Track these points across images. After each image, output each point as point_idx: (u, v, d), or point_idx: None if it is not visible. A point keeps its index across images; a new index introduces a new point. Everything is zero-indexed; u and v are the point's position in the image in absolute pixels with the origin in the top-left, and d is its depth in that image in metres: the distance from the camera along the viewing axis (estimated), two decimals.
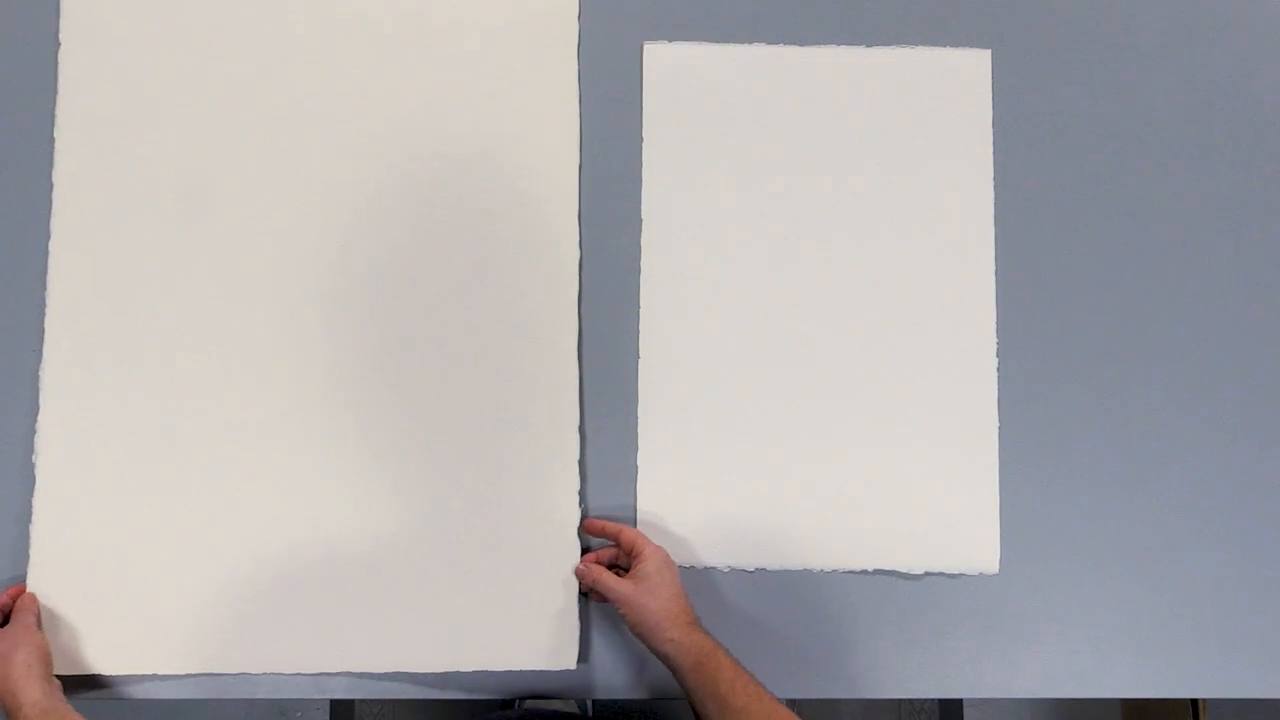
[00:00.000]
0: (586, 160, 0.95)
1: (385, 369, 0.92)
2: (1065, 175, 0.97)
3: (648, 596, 0.82)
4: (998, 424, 0.94)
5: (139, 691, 0.88)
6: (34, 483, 0.89)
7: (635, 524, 0.92)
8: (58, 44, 0.94)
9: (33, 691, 0.77)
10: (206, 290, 0.92)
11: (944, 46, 0.97)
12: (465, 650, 0.89)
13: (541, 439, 0.92)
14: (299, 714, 1.61)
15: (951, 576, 0.93)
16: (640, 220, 0.95)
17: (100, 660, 0.88)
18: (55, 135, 0.93)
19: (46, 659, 0.82)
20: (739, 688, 0.78)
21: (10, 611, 0.86)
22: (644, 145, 0.96)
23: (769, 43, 0.97)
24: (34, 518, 0.88)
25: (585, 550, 0.91)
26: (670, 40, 0.97)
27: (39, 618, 0.86)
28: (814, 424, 0.93)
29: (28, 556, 0.88)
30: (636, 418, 0.93)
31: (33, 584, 0.88)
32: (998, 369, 0.94)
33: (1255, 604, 0.93)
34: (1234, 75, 0.99)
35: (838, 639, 0.91)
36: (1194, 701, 1.36)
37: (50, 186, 0.92)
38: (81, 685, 0.87)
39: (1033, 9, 0.98)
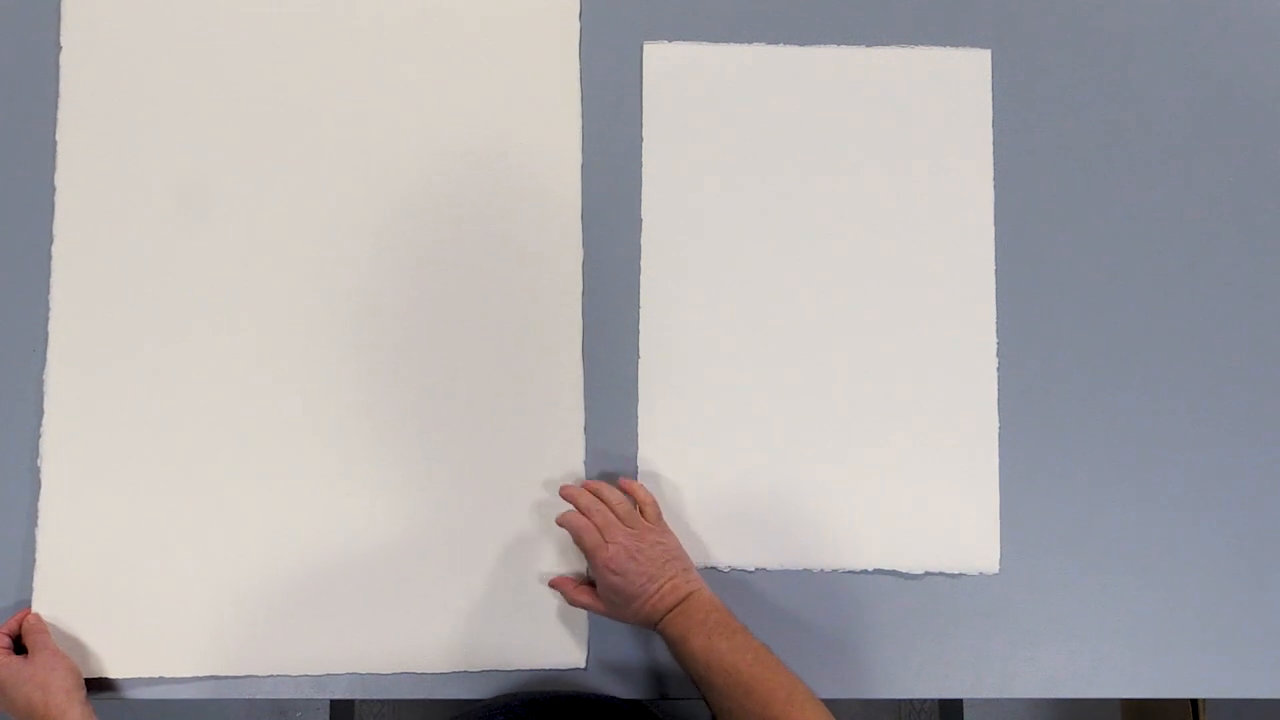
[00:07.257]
0: (587, 160, 0.95)
1: (390, 370, 0.92)
2: (1065, 175, 0.97)
3: (615, 612, 0.85)
4: (998, 424, 0.94)
5: (144, 694, 0.89)
6: (39, 487, 0.89)
7: None
8: (59, 48, 0.94)
9: (74, 714, 0.81)
10: (210, 293, 0.92)
11: (944, 46, 0.97)
12: (474, 650, 0.90)
13: (547, 439, 0.92)
14: (299, 714, 1.62)
15: (951, 576, 0.93)
16: (640, 220, 0.95)
17: (106, 663, 0.88)
18: (57, 139, 0.93)
19: (81, 681, 0.84)
20: (713, 666, 0.78)
21: (18, 634, 0.87)
22: (644, 145, 0.96)
23: (769, 43, 0.97)
24: (39, 520, 0.89)
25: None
26: (670, 40, 0.97)
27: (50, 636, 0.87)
28: (814, 424, 0.93)
29: (34, 559, 0.89)
30: (636, 417, 0.93)
31: (39, 585, 0.88)
32: (998, 369, 0.94)
33: (1255, 604, 0.93)
34: (1234, 75, 0.98)
35: (838, 639, 0.91)
36: (1194, 701, 1.36)
37: (53, 190, 0.92)
38: (89, 687, 0.87)
39: (1033, 9, 0.98)
